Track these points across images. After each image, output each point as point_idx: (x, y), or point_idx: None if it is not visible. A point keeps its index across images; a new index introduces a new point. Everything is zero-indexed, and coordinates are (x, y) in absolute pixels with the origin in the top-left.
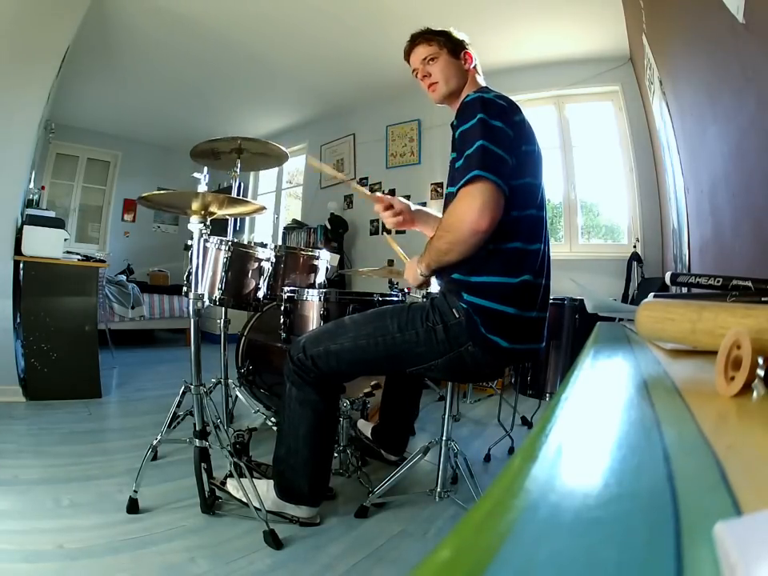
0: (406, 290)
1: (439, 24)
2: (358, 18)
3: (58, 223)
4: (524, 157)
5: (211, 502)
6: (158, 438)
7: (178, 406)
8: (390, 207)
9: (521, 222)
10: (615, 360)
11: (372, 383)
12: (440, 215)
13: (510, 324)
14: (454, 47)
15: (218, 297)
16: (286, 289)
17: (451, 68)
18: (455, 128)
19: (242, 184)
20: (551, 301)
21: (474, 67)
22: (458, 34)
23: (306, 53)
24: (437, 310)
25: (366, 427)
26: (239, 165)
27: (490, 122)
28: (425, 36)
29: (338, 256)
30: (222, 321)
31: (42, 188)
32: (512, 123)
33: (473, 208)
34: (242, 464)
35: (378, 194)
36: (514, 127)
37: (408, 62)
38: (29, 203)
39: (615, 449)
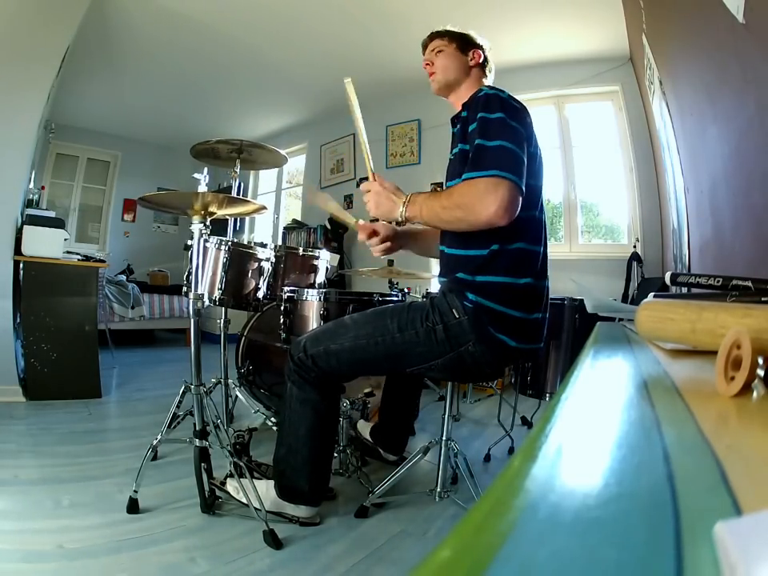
0: (405, 290)
1: (440, 23)
2: (358, 17)
3: (57, 223)
4: (528, 159)
5: (211, 502)
6: (158, 438)
7: (178, 406)
8: (374, 234)
9: (524, 223)
10: (615, 360)
11: (366, 390)
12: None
13: (516, 325)
14: (464, 44)
15: (217, 297)
16: (285, 289)
17: (453, 60)
18: (466, 119)
19: (242, 184)
20: (551, 301)
21: (482, 66)
22: (476, 36)
23: (307, 52)
24: (436, 310)
25: (365, 428)
26: (239, 165)
27: (509, 121)
28: (440, 32)
29: (337, 256)
30: (222, 321)
31: (42, 188)
32: (525, 124)
33: (494, 203)
34: (242, 464)
35: (361, 221)
36: (527, 129)
37: (424, 54)
38: (29, 203)
39: (615, 449)
